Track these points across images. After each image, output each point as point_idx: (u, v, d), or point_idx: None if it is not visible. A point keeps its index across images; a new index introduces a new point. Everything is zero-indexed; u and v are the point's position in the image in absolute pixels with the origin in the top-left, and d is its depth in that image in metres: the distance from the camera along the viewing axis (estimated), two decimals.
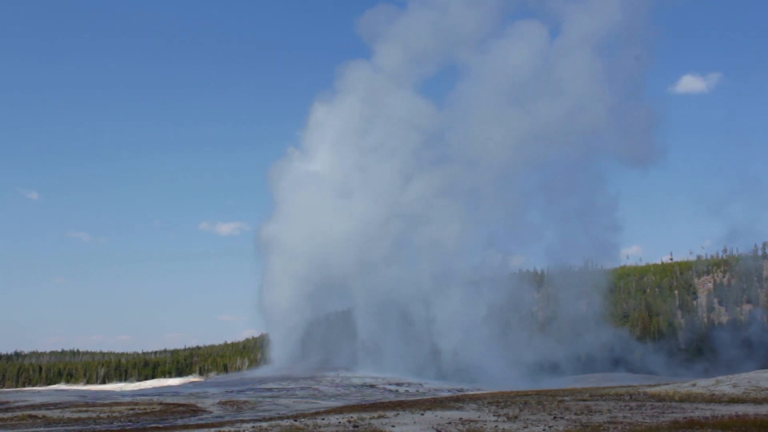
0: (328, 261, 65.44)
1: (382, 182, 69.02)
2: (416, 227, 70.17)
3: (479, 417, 19.86)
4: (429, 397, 36.53)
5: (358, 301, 68.62)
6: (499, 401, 25.62)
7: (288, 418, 21.57)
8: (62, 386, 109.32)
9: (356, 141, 72.36)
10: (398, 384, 47.65)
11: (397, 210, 68.81)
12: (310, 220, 65.94)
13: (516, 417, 19.70)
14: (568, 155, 77.40)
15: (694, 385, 29.82)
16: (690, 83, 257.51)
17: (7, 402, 34.00)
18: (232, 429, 18.20)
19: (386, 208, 68.00)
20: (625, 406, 22.70)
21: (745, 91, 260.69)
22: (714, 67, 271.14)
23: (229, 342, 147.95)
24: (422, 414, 20.80)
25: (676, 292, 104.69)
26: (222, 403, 31.47)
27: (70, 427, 22.48)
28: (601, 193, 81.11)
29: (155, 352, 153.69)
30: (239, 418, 24.00)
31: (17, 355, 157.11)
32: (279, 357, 65.73)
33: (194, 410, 28.17)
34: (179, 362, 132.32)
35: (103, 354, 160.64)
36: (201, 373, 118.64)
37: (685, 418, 18.56)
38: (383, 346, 63.58)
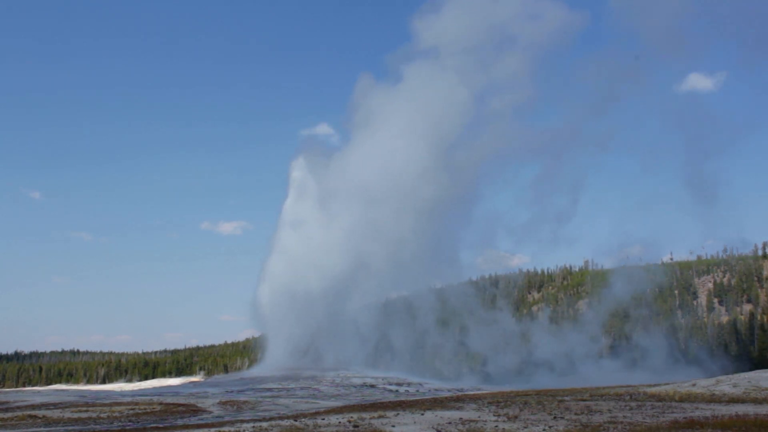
0: (330, 261, 65.23)
1: None
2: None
3: (479, 417, 19.83)
4: (429, 397, 36.51)
5: (360, 301, 68.40)
6: (499, 401, 25.60)
7: (288, 418, 21.55)
8: (62, 386, 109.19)
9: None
10: (398, 384, 47.60)
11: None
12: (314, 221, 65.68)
13: (516, 417, 19.67)
14: None
15: (694, 385, 29.82)
16: (697, 81, 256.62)
17: (7, 402, 33.97)
18: (232, 429, 18.18)
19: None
20: (625, 406, 22.68)
21: (751, 90, 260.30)
22: (721, 66, 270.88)
23: (229, 342, 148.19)
24: (422, 414, 20.78)
25: (676, 292, 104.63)
26: (222, 403, 31.45)
27: (70, 427, 22.45)
28: None
29: (155, 352, 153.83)
30: (239, 418, 23.98)
31: (17, 355, 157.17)
32: (279, 357, 65.57)
33: (194, 410, 28.14)
34: (179, 362, 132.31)
35: (103, 354, 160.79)
36: (201, 373, 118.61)
37: (685, 418, 18.54)
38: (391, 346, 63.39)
